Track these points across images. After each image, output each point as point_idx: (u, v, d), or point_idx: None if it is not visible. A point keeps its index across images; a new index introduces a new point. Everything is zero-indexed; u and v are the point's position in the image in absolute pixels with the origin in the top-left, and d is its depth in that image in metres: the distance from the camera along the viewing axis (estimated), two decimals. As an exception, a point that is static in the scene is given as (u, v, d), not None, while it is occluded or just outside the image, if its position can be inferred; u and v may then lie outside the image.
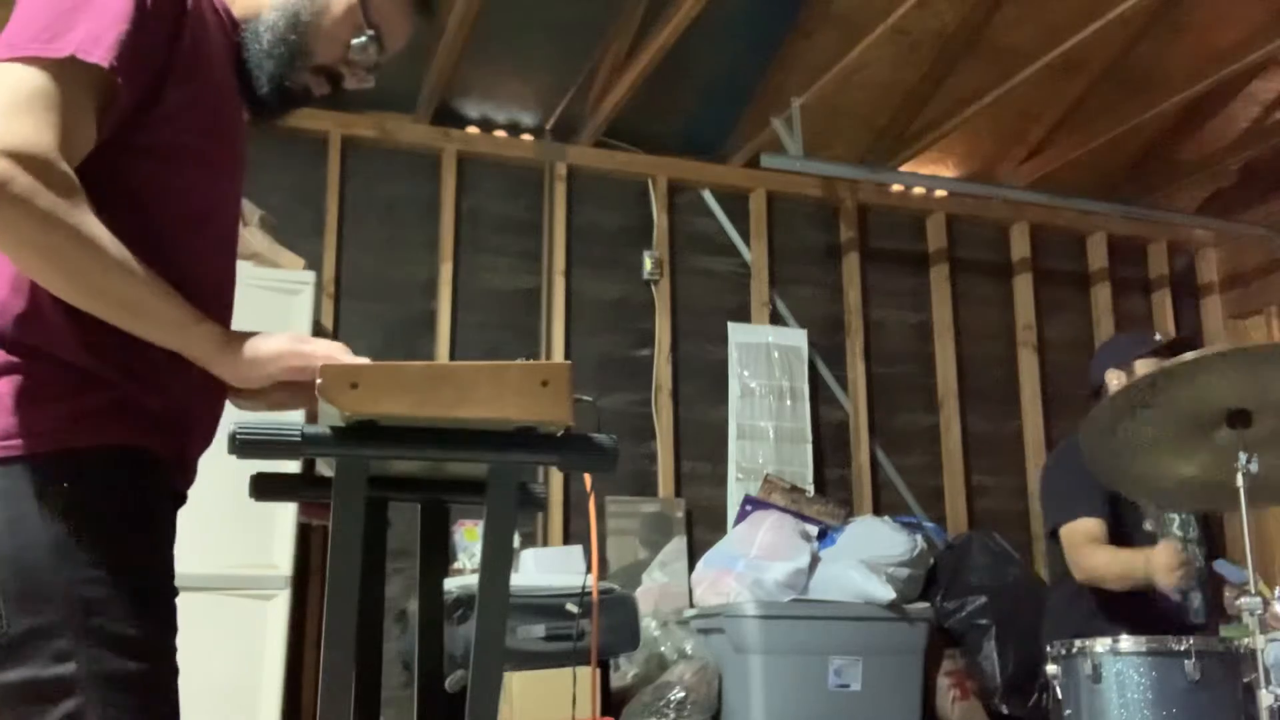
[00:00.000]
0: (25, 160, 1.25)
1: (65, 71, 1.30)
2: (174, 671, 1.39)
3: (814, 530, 4.24)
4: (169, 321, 1.36)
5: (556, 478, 4.35)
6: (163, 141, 1.42)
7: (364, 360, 1.33)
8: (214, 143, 1.50)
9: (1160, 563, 2.89)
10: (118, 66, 1.33)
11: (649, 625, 3.89)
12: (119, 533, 1.34)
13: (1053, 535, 3.22)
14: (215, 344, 1.39)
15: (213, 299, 1.50)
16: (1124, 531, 3.15)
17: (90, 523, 1.32)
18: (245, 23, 1.55)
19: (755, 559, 3.95)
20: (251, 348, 1.40)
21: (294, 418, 1.44)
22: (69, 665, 1.28)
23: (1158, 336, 3.39)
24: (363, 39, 1.60)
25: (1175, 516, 3.25)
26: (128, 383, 1.38)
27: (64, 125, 1.30)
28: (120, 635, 1.31)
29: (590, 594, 3.34)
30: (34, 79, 1.29)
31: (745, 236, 4.92)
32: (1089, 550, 3.09)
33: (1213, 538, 3.36)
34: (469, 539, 4.04)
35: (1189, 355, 2.41)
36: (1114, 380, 3.21)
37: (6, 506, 1.30)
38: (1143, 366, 3.16)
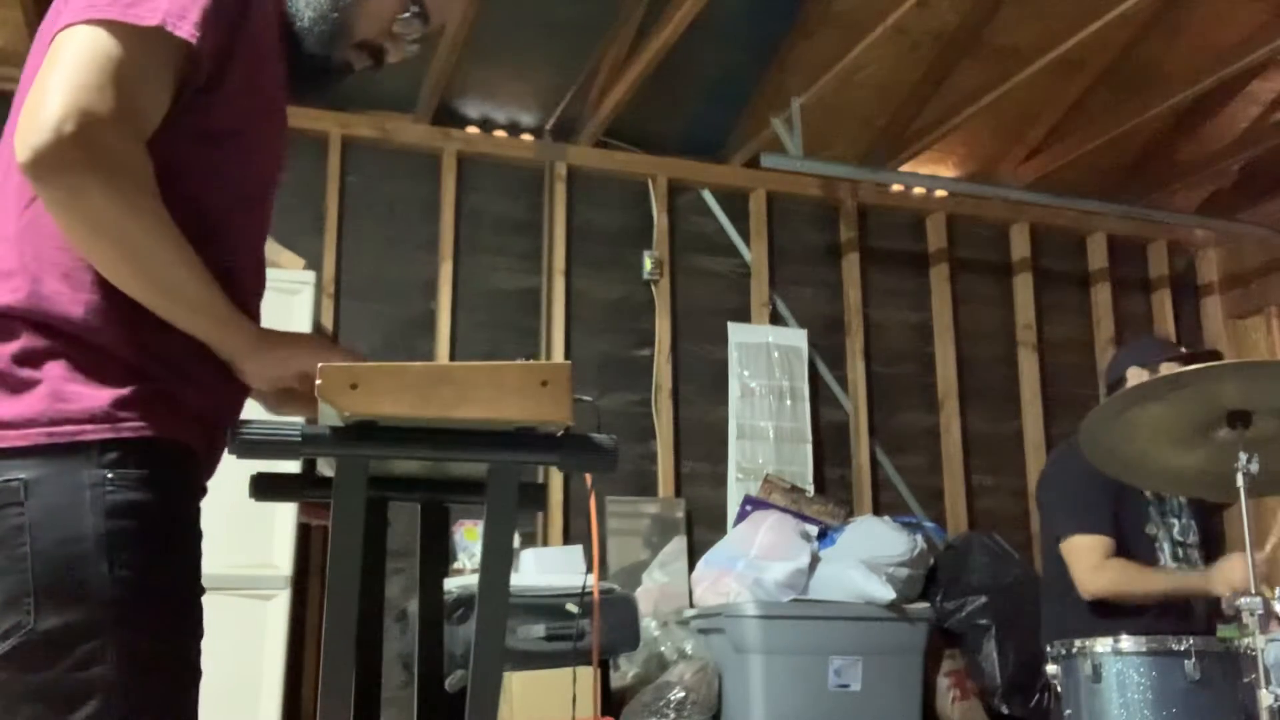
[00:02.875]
0: (93, 133, 1.22)
1: (149, 41, 1.27)
2: (197, 675, 1.35)
3: (814, 530, 4.24)
4: (209, 313, 1.34)
5: (556, 478, 4.34)
6: (221, 126, 1.39)
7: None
8: (267, 125, 1.48)
9: (1223, 574, 2.91)
10: (204, 43, 1.30)
11: (649, 625, 3.89)
12: (158, 530, 1.31)
13: (1055, 541, 3.21)
14: (248, 341, 1.38)
15: (253, 285, 1.49)
16: (1125, 535, 3.14)
17: (131, 518, 1.28)
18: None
19: (755, 559, 3.95)
20: (277, 354, 1.40)
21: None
22: (95, 669, 1.24)
23: (1183, 349, 3.40)
24: (408, 14, 1.55)
25: (1175, 521, 3.24)
26: (169, 375, 1.35)
27: (137, 97, 1.26)
28: (149, 639, 1.27)
29: (590, 594, 3.34)
30: (112, 47, 1.26)
31: (745, 236, 4.92)
32: (1100, 565, 3.08)
33: (1211, 541, 3.36)
34: (469, 539, 4.04)
35: (1225, 362, 2.43)
36: (1135, 378, 3.20)
37: (46, 495, 1.26)
38: (1167, 369, 3.16)
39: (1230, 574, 2.89)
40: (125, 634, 1.26)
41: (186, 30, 1.29)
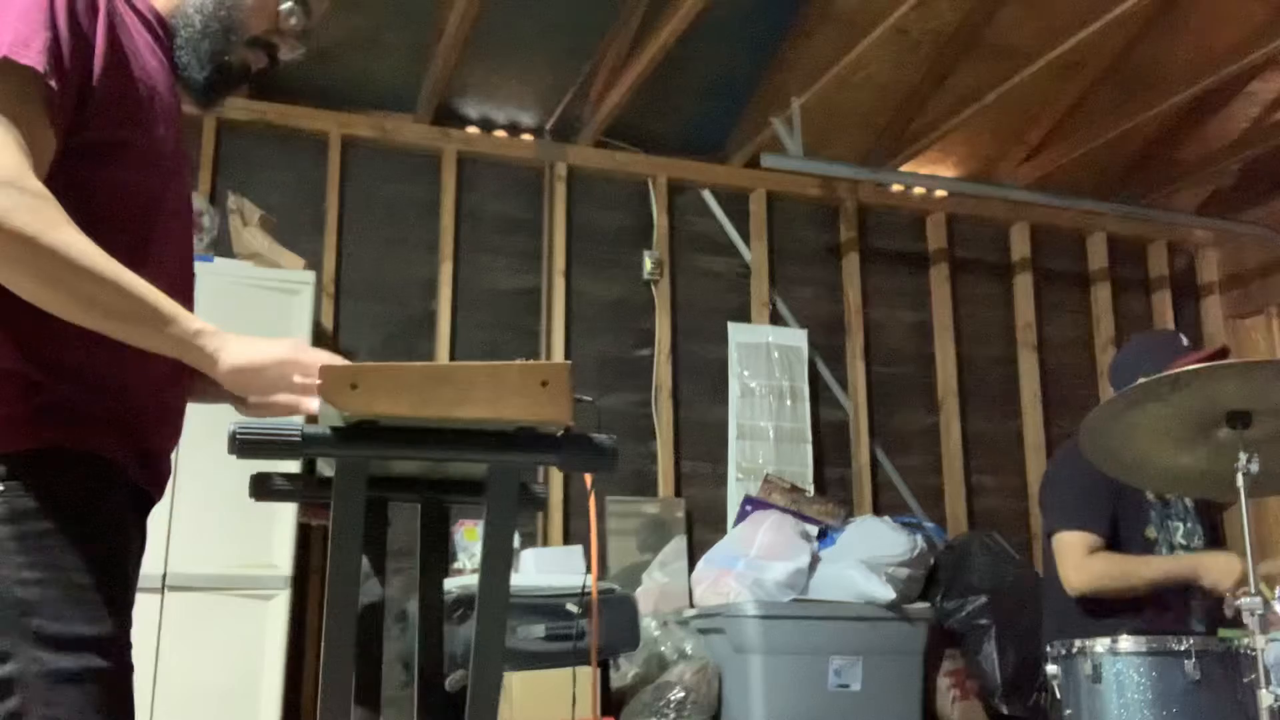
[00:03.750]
0: None
1: (1, 76, 1.31)
2: (125, 668, 1.39)
3: (814, 530, 4.24)
4: (166, 329, 1.36)
5: (556, 478, 4.34)
6: (97, 140, 1.42)
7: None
8: (149, 135, 1.50)
9: (1215, 565, 2.91)
10: (51, 69, 1.33)
11: (649, 625, 3.89)
12: (55, 533, 1.34)
13: (1049, 538, 3.21)
14: (214, 349, 1.39)
15: (172, 287, 1.49)
16: (1124, 538, 3.14)
17: (24, 525, 1.33)
18: (172, 15, 1.58)
19: (755, 559, 3.95)
20: (251, 354, 1.40)
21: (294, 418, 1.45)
22: (7, 666, 1.29)
23: (1184, 340, 3.36)
24: (289, 4, 1.63)
25: (1180, 525, 3.23)
26: (73, 386, 1.38)
27: (23, 135, 1.30)
28: (61, 634, 1.31)
29: (590, 594, 3.34)
30: None
31: (745, 236, 4.92)
32: (1084, 561, 3.07)
33: (1217, 544, 3.35)
34: (469, 539, 4.04)
35: (1225, 362, 2.42)
36: None
37: None
38: None
39: (1224, 570, 2.89)
40: (38, 631, 1.30)
41: (31, 58, 1.32)
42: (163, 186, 1.53)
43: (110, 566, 1.41)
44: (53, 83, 1.34)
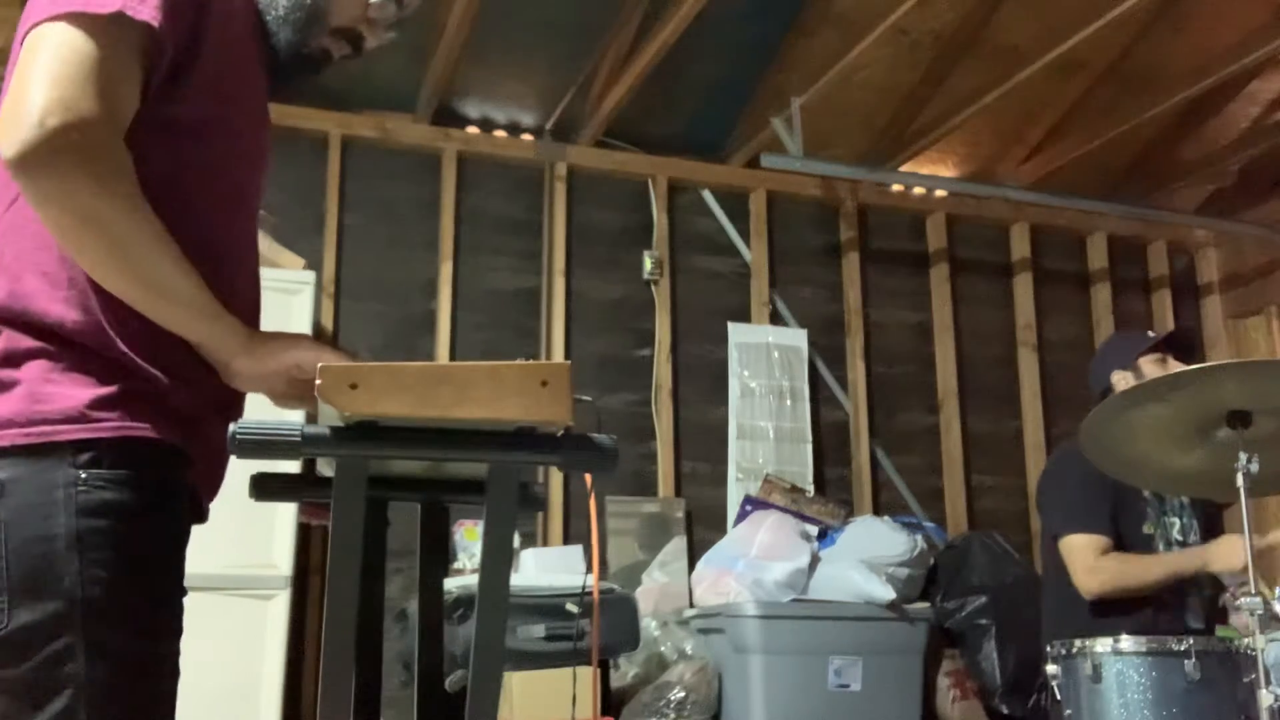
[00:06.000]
0: (77, 126, 1.23)
1: (112, 29, 1.28)
2: (174, 676, 1.36)
3: (814, 530, 4.24)
4: (195, 309, 1.34)
5: (556, 478, 4.34)
6: (193, 115, 1.39)
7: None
8: (243, 115, 1.48)
9: (1221, 551, 2.92)
10: (166, 27, 1.31)
11: (649, 625, 3.89)
12: (132, 530, 1.31)
13: (1054, 541, 3.21)
14: (236, 339, 1.38)
15: (248, 278, 1.49)
16: (1122, 535, 3.14)
17: (104, 517, 1.29)
18: None
19: (755, 559, 3.95)
20: (269, 349, 1.39)
21: (295, 417, 1.45)
22: (65, 667, 1.25)
23: (1151, 333, 3.38)
24: None
25: (1176, 520, 3.24)
26: (154, 373, 1.35)
27: (112, 89, 1.27)
28: (121, 638, 1.28)
29: (590, 594, 3.34)
30: (80, 40, 1.27)
31: (745, 236, 4.92)
32: (1096, 564, 3.07)
33: (1213, 538, 3.35)
34: (469, 539, 4.04)
35: (1225, 362, 2.43)
36: (1121, 382, 3.20)
37: (21, 495, 1.27)
38: (1147, 364, 3.17)
39: (1230, 553, 2.90)
40: (96, 632, 1.26)
41: (147, 14, 1.29)
42: (243, 178, 1.50)
43: (177, 571, 1.38)
44: (166, 44, 1.31)
